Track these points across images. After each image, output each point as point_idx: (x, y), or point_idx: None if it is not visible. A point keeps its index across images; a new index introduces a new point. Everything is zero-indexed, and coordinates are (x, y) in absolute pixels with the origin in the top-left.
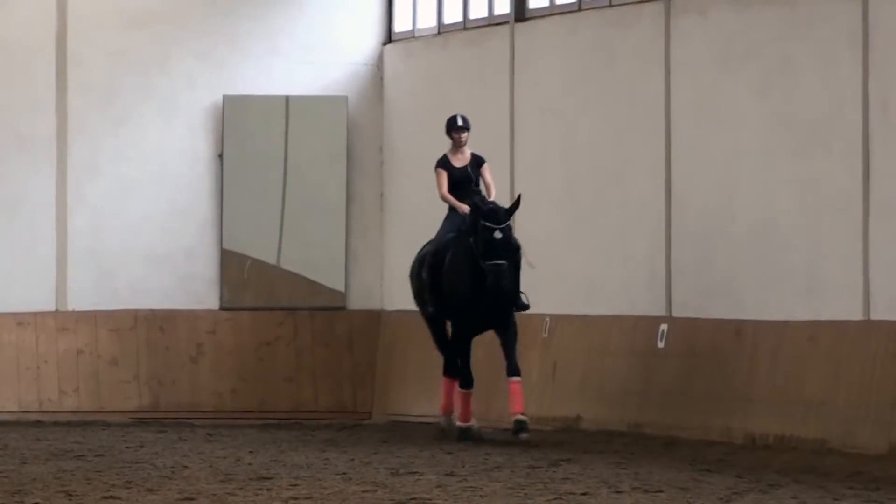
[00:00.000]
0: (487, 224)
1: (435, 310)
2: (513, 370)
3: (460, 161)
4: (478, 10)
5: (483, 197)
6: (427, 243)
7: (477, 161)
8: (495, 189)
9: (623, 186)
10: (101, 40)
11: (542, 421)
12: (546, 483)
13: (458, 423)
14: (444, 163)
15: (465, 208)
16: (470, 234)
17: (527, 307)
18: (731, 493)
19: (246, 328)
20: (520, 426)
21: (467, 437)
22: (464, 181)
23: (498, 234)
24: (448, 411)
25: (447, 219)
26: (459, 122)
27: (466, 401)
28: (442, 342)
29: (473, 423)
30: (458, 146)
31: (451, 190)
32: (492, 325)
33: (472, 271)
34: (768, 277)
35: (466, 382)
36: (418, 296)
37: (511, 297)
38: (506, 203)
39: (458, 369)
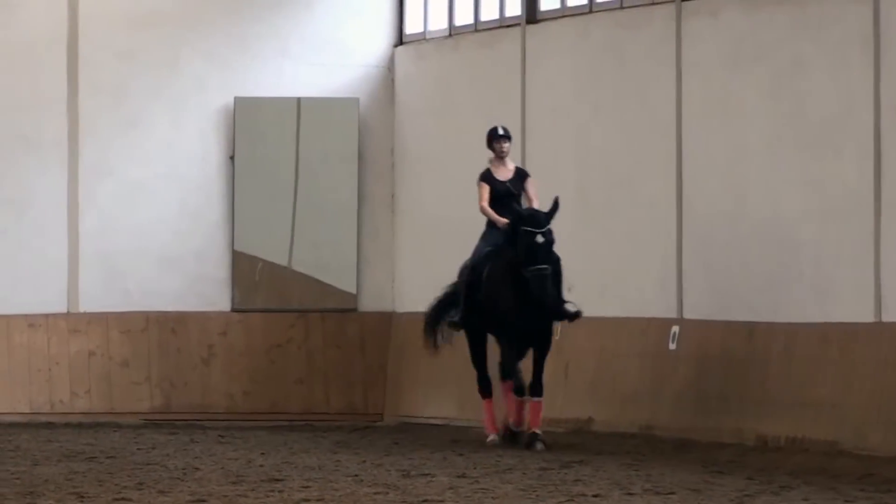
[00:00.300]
0: (528, 229)
1: (461, 319)
2: (536, 390)
3: (504, 174)
4: (489, 12)
5: (521, 203)
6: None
7: (520, 175)
8: (538, 203)
9: (634, 188)
10: (111, 42)
11: (554, 423)
12: (558, 485)
13: (511, 425)
14: (486, 176)
15: (504, 221)
16: (510, 246)
17: (578, 314)
18: (742, 494)
19: (257, 330)
20: (534, 437)
21: (516, 439)
22: (506, 195)
23: (539, 239)
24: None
25: (484, 236)
26: (500, 132)
27: (520, 406)
28: (477, 356)
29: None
30: (499, 157)
31: (492, 204)
32: (534, 340)
33: (512, 284)
34: (779, 279)
35: (519, 390)
36: (443, 303)
37: (555, 307)
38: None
39: (488, 388)
